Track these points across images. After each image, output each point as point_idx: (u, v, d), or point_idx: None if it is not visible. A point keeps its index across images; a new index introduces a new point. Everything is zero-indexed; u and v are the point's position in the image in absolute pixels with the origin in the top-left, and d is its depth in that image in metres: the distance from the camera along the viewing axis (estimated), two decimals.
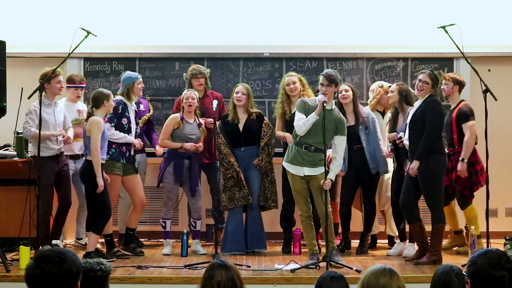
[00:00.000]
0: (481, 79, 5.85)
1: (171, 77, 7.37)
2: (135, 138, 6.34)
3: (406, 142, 5.92)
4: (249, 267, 5.72)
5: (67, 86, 6.58)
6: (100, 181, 5.75)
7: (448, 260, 5.89)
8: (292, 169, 5.86)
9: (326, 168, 5.66)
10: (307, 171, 5.80)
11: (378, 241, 6.81)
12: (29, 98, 5.89)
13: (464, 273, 2.94)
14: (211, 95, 6.71)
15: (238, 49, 7.33)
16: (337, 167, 5.84)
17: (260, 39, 7.31)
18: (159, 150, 6.67)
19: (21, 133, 6.25)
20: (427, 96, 5.83)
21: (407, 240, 6.34)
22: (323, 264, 5.53)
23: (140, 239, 6.86)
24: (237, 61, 7.38)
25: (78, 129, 6.39)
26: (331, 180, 5.72)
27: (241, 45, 7.31)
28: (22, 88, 6.18)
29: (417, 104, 5.91)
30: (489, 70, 7.10)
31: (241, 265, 5.70)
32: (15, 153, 6.34)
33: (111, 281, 3.57)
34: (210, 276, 3.15)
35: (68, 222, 6.59)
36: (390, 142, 6.35)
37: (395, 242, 6.52)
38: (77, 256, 2.62)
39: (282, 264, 5.76)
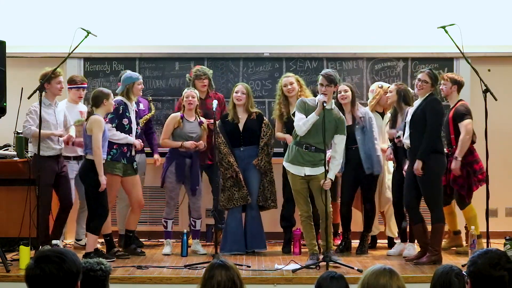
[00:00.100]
0: (481, 79, 5.85)
1: (171, 77, 7.37)
2: (136, 139, 6.34)
3: (406, 141, 5.91)
4: (249, 267, 5.72)
5: (69, 87, 6.59)
6: (103, 180, 5.75)
7: (448, 260, 5.89)
8: (292, 169, 5.86)
9: (326, 168, 5.67)
10: (308, 171, 5.80)
11: (378, 241, 6.81)
12: (29, 98, 5.89)
13: (464, 273, 2.94)
14: (213, 96, 6.72)
15: (238, 49, 7.33)
16: (336, 166, 5.84)
17: (260, 39, 7.31)
18: (157, 159, 6.75)
19: (21, 133, 6.25)
20: (427, 95, 5.83)
21: (408, 241, 6.34)
22: (323, 264, 5.53)
23: (140, 239, 6.86)
24: (237, 61, 7.38)
25: (79, 139, 6.36)
26: (331, 179, 5.73)
27: (241, 45, 7.31)
28: (22, 88, 6.18)
29: (417, 103, 5.90)
30: (489, 70, 7.10)
31: (241, 265, 5.70)
32: (15, 153, 6.34)
33: (111, 281, 3.56)
34: (210, 276, 3.15)
35: (69, 223, 6.58)
36: (390, 142, 6.35)
37: (395, 243, 6.52)
38: (77, 256, 2.61)
39: (282, 264, 5.76)
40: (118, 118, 6.22)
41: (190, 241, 6.48)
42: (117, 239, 6.62)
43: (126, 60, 7.33)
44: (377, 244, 6.78)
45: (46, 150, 5.99)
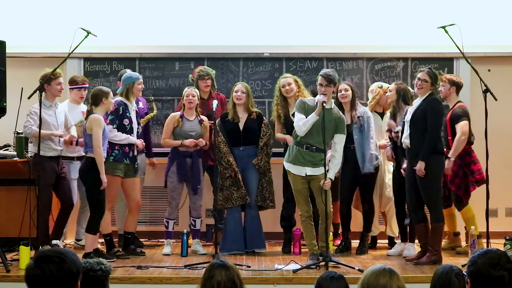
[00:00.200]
0: (481, 79, 5.85)
1: (171, 77, 7.37)
2: (138, 138, 6.35)
3: (405, 140, 5.90)
4: (249, 267, 5.72)
5: (70, 88, 6.59)
6: (104, 178, 5.75)
7: (448, 260, 5.89)
8: (293, 169, 5.86)
9: (326, 167, 5.66)
10: (308, 171, 5.80)
11: (378, 241, 6.81)
12: (29, 98, 5.88)
13: (465, 273, 2.94)
14: (216, 97, 6.72)
15: (238, 49, 7.33)
16: (336, 165, 5.84)
17: (260, 39, 7.31)
18: (154, 162, 6.86)
19: (21, 133, 6.25)
20: (427, 94, 5.82)
21: (408, 241, 6.34)
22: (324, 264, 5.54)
23: (140, 239, 6.86)
24: (237, 61, 7.38)
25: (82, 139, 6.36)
26: (331, 179, 5.73)
27: (241, 45, 7.32)
28: (22, 88, 6.18)
29: (417, 102, 5.89)
30: (489, 70, 7.10)
31: (241, 265, 5.70)
32: (15, 153, 6.34)
33: (111, 281, 3.57)
34: (210, 276, 3.15)
35: (69, 223, 6.57)
36: (389, 139, 6.33)
37: (395, 243, 6.52)
38: (77, 256, 2.61)
39: (282, 264, 5.76)
40: (119, 119, 6.22)
41: (190, 241, 6.48)
42: (117, 239, 6.62)
43: (126, 60, 7.33)
44: (378, 244, 6.79)
45: (47, 151, 5.99)
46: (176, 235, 6.67)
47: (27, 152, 6.29)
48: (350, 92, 6.43)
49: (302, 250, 6.35)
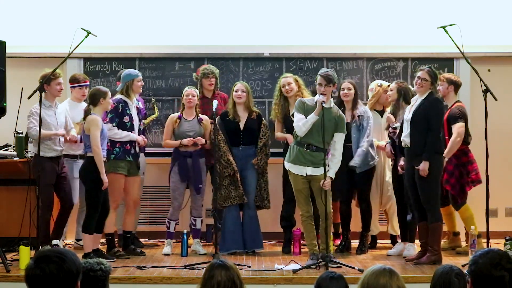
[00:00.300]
0: (481, 79, 5.85)
1: (171, 77, 7.37)
2: (139, 135, 6.34)
3: (405, 139, 5.89)
4: (249, 267, 5.72)
5: (71, 86, 6.58)
6: (104, 178, 5.75)
7: (448, 260, 5.88)
8: (294, 169, 5.86)
9: (326, 168, 5.66)
10: (309, 170, 5.80)
11: (378, 241, 6.81)
12: (29, 98, 5.88)
13: (466, 272, 2.94)
14: (218, 96, 6.73)
15: (238, 49, 7.33)
16: (336, 164, 5.83)
17: (260, 39, 7.31)
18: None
19: (21, 133, 6.26)
20: (427, 93, 5.81)
21: (408, 240, 6.33)
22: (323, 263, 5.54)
23: (140, 239, 6.86)
24: (237, 61, 7.38)
25: None
26: (331, 178, 5.73)
27: (241, 45, 7.31)
28: (22, 88, 6.18)
29: (416, 101, 5.87)
30: (489, 70, 7.09)
31: (241, 265, 5.71)
32: (15, 153, 6.34)
33: (111, 281, 3.57)
34: (210, 276, 3.15)
35: (69, 223, 6.57)
36: (387, 135, 6.33)
37: (397, 242, 6.51)
38: (77, 256, 2.61)
39: (282, 264, 5.77)
40: (118, 117, 6.22)
41: (190, 241, 6.48)
42: (117, 239, 6.61)
43: (126, 60, 7.32)
44: (379, 244, 6.78)
45: (46, 151, 5.99)
46: (176, 235, 6.66)
47: (27, 152, 6.29)
48: (352, 91, 6.43)
49: (302, 250, 6.35)
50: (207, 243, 6.92)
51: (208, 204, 7.00)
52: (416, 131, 5.77)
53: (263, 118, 6.64)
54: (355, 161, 6.24)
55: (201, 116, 6.55)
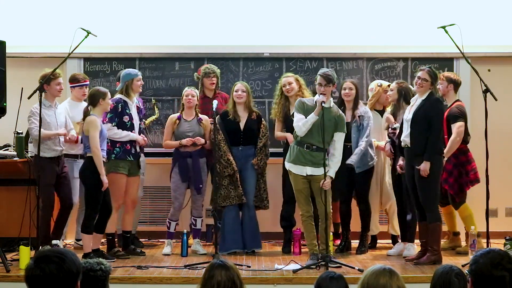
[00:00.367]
0: (481, 79, 5.85)
1: (171, 77, 7.37)
2: (140, 134, 6.34)
3: (405, 139, 5.88)
4: (249, 267, 5.72)
5: (72, 86, 6.58)
6: (104, 179, 5.75)
7: (448, 260, 5.88)
8: (294, 169, 5.86)
9: (325, 167, 5.66)
10: (309, 170, 5.81)
11: (378, 241, 6.80)
12: (29, 98, 5.88)
13: (466, 271, 2.94)
14: (219, 96, 6.74)
15: (238, 49, 7.33)
16: (336, 163, 5.82)
17: (260, 39, 7.31)
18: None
19: (21, 133, 6.26)
20: (427, 94, 5.81)
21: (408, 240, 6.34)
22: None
23: (140, 239, 6.85)
24: (237, 61, 7.38)
25: None
26: (331, 177, 5.73)
27: (241, 45, 7.31)
28: (22, 88, 6.18)
29: (416, 101, 5.86)
30: (489, 70, 7.09)
31: (241, 265, 5.71)
32: (15, 153, 6.34)
33: (111, 281, 3.57)
34: (210, 276, 3.15)
35: (69, 223, 6.58)
36: (387, 134, 6.33)
37: (398, 241, 6.51)
38: (77, 256, 2.61)
39: (282, 264, 5.77)
40: (118, 117, 6.23)
41: (190, 241, 6.48)
42: (117, 239, 6.61)
43: (126, 60, 7.32)
44: (379, 244, 6.78)
45: (46, 152, 5.99)
46: (176, 235, 6.66)
47: (27, 152, 6.29)
48: (354, 91, 6.43)
49: (302, 250, 6.35)
50: (207, 243, 6.92)
51: (208, 203, 7.00)
52: (416, 132, 5.77)
53: (263, 119, 6.64)
54: (351, 159, 6.23)
55: (200, 116, 6.55)
